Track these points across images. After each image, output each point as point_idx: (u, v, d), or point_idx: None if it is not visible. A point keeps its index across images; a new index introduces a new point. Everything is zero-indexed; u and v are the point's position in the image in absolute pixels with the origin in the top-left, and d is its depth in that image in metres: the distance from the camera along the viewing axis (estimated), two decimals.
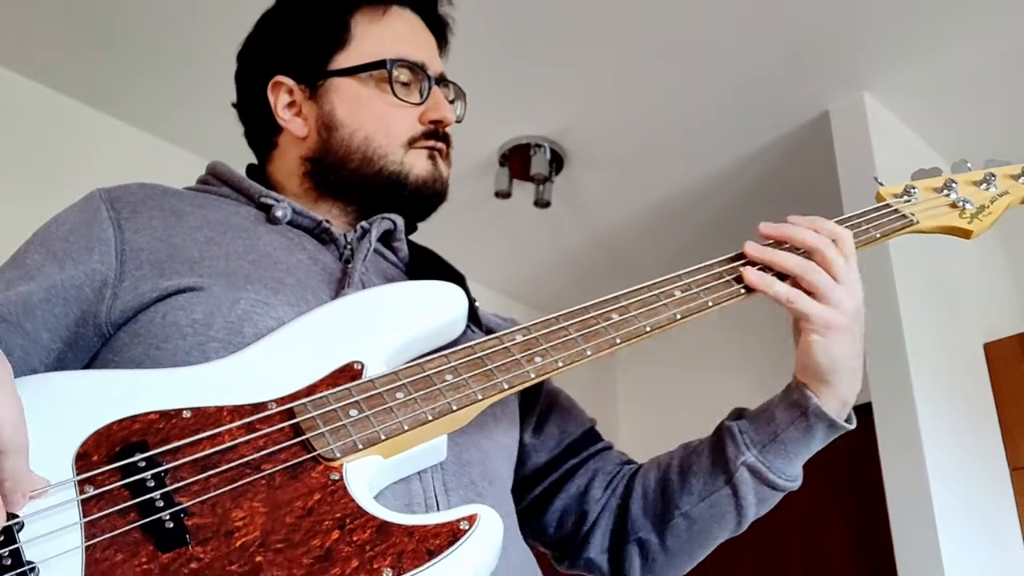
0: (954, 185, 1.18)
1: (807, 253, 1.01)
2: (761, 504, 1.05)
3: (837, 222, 1.07)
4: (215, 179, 1.11)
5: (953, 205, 1.16)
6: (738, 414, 1.08)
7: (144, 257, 0.95)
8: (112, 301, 0.92)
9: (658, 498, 1.08)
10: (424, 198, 1.10)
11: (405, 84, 1.10)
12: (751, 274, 1.00)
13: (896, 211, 1.12)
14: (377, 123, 1.08)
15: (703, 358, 4.25)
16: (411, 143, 1.09)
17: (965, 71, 3.08)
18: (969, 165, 1.22)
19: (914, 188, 1.17)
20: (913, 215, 1.13)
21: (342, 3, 1.13)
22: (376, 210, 1.08)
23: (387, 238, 1.09)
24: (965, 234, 1.15)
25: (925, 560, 2.60)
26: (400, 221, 1.09)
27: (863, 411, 3.12)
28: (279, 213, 1.03)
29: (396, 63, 1.09)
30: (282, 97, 1.12)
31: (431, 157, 1.10)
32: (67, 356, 0.93)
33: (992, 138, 3.35)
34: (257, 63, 1.15)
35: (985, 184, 1.20)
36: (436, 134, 1.11)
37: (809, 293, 0.98)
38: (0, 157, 3.03)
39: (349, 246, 1.05)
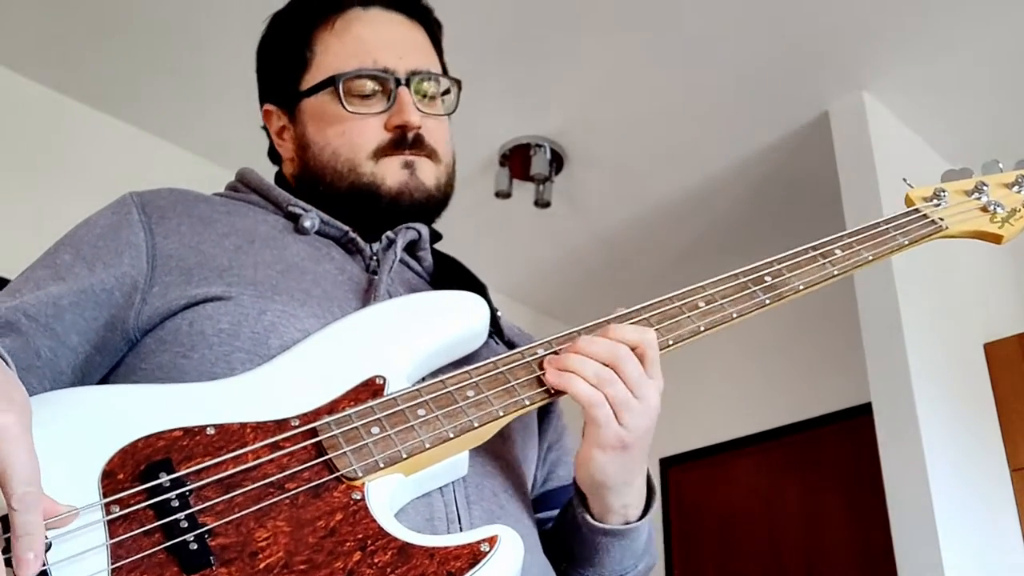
0: (985, 188, 1.13)
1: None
2: None
3: (866, 228, 1.04)
4: (244, 186, 1.12)
5: (984, 209, 1.12)
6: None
7: (174, 264, 0.95)
8: (141, 306, 0.93)
9: None
10: (404, 208, 1.06)
11: (367, 96, 1.07)
12: (551, 375, 0.89)
13: (925, 216, 1.08)
14: (341, 138, 1.07)
15: (703, 363, 4.25)
16: (378, 153, 1.06)
17: (965, 71, 3.09)
18: (1000, 166, 1.18)
19: (944, 191, 1.11)
20: (943, 220, 1.08)
21: (301, 23, 1.12)
22: (362, 223, 1.07)
23: (412, 248, 1.08)
24: (996, 239, 1.11)
25: (925, 560, 2.61)
26: (424, 231, 1.09)
27: (863, 411, 3.15)
28: (307, 223, 1.04)
29: (348, 77, 1.06)
30: (274, 123, 1.14)
31: (407, 166, 1.07)
32: (95, 359, 0.93)
33: (992, 138, 3.36)
34: (259, 90, 1.18)
35: (1017, 186, 1.15)
36: (404, 140, 1.06)
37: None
38: (1, 157, 3.03)
39: (375, 256, 1.05)
